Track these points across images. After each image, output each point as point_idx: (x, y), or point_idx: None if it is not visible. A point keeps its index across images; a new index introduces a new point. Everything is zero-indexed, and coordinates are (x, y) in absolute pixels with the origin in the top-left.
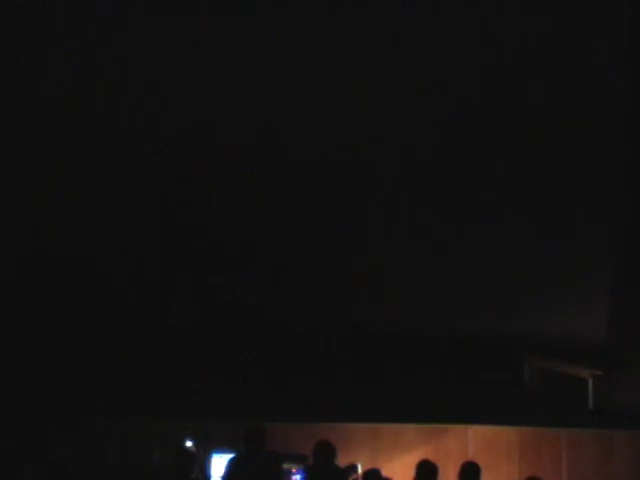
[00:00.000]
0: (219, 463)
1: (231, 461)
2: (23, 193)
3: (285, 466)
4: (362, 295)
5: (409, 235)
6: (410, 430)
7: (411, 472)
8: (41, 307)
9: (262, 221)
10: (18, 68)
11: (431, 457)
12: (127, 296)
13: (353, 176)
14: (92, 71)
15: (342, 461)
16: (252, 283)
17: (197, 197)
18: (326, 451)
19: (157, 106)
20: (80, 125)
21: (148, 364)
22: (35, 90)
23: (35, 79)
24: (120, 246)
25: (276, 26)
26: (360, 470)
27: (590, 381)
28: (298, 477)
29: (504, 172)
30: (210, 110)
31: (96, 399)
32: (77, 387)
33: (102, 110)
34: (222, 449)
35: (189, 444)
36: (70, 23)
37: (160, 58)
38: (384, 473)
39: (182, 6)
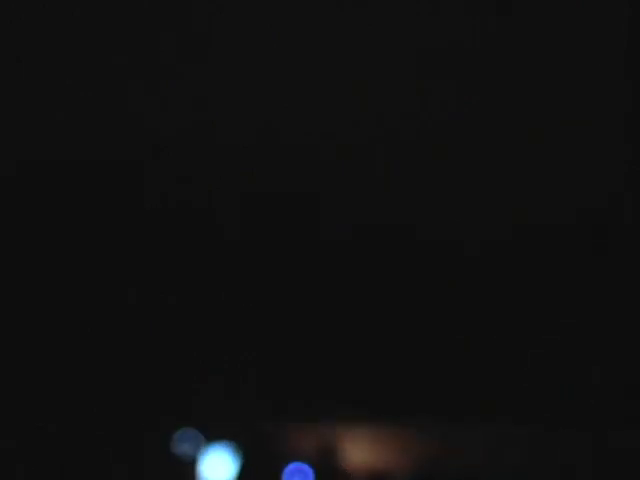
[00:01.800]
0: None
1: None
2: None
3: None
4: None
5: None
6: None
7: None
8: (41, 307)
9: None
10: (18, 66)
11: None
12: (127, 296)
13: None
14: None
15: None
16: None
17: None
18: (327, 449)
19: (157, 106)
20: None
21: (148, 363)
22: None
23: (34, 76)
24: (120, 245)
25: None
26: None
27: None
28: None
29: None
30: (210, 110)
31: (95, 399)
32: (77, 386)
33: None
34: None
35: (188, 444)
36: (69, 22)
37: (160, 57)
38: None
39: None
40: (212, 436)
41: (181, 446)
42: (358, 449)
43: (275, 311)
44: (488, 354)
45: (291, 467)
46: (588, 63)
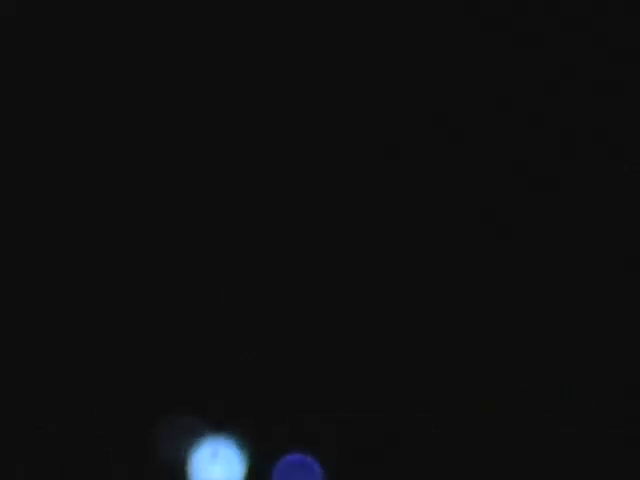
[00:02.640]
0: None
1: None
2: None
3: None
4: None
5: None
6: None
7: None
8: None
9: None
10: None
11: None
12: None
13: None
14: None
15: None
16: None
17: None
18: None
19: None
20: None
21: (147, 361)
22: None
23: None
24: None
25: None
26: None
27: None
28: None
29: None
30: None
31: (95, 398)
32: (76, 385)
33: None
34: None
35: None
36: (68, 22)
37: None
38: None
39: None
40: (211, 435)
41: (183, 445)
42: (357, 446)
43: (274, 308)
44: (487, 354)
45: (289, 460)
46: None
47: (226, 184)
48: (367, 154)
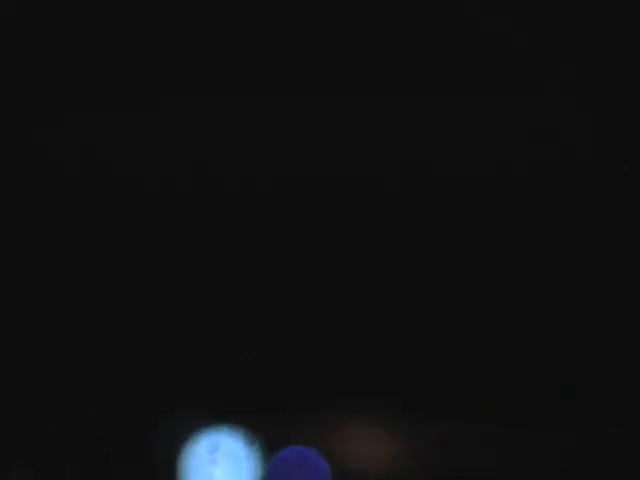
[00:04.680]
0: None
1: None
2: None
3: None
4: None
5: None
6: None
7: None
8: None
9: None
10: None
11: None
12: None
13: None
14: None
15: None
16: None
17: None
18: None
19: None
20: None
21: (147, 361)
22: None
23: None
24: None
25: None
26: None
27: None
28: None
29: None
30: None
31: (96, 398)
32: (75, 385)
33: None
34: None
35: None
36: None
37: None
38: None
39: None
40: (211, 436)
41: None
42: (358, 449)
43: (274, 307)
44: (488, 354)
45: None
46: None
47: (225, 184)
48: None
